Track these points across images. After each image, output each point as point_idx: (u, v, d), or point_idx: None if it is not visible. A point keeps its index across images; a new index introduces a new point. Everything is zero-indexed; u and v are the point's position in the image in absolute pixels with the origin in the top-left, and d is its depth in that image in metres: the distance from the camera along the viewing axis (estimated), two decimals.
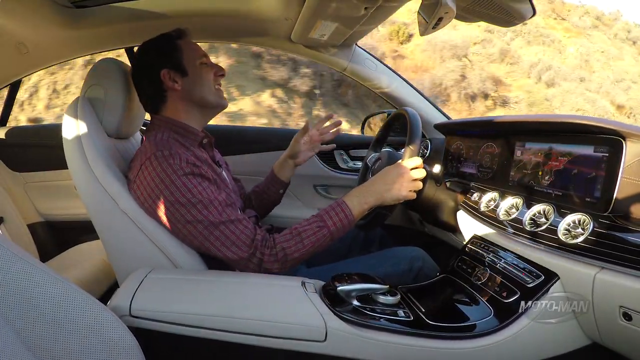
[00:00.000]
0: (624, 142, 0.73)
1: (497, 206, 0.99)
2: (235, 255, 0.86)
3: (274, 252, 0.87)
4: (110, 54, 1.23)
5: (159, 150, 0.87)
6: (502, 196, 1.00)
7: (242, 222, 0.88)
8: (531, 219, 0.87)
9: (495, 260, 0.92)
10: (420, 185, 0.97)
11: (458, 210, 1.13)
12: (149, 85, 0.98)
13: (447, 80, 9.02)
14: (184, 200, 0.85)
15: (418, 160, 0.97)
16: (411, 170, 0.95)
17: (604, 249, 0.70)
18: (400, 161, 0.98)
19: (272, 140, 1.73)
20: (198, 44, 1.05)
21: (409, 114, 1.05)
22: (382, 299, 0.79)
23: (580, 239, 0.74)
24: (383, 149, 1.28)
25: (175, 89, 0.97)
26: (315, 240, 0.89)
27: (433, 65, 9.49)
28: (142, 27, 1.39)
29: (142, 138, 1.05)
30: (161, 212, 0.86)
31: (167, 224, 0.87)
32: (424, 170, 0.97)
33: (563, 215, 0.80)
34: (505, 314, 0.78)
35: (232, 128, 2.02)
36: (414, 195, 0.96)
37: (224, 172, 1.06)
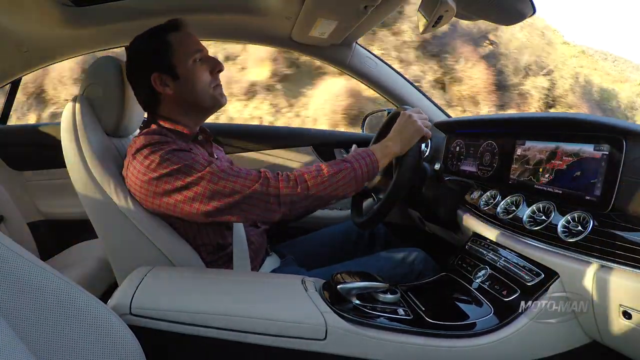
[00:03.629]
0: (624, 140, 0.73)
1: (497, 204, 0.99)
2: (248, 190, 0.82)
3: (290, 177, 0.84)
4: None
5: (147, 141, 0.86)
6: (502, 194, 1.00)
7: (241, 168, 0.86)
8: (531, 217, 0.87)
9: (495, 258, 0.92)
10: (429, 123, 0.97)
11: (458, 208, 1.13)
12: (141, 88, 0.96)
13: None
14: (177, 167, 0.82)
15: (417, 109, 0.99)
16: (416, 113, 0.97)
17: (604, 247, 0.70)
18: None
19: (276, 138, 1.74)
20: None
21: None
22: (382, 297, 0.79)
23: (580, 237, 0.74)
24: None
25: (167, 93, 0.93)
26: (337, 170, 0.86)
27: None
28: (142, 25, 1.38)
29: None
30: (160, 189, 0.83)
31: (169, 201, 0.84)
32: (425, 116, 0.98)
33: (563, 214, 0.80)
34: (505, 313, 0.78)
35: (236, 127, 2.03)
36: (429, 133, 0.96)
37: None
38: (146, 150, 0.85)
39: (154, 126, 0.94)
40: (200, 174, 0.82)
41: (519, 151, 0.99)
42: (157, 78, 0.92)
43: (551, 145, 0.89)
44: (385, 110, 1.67)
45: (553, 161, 0.88)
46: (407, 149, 0.94)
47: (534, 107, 6.78)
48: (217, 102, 0.97)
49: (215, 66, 0.96)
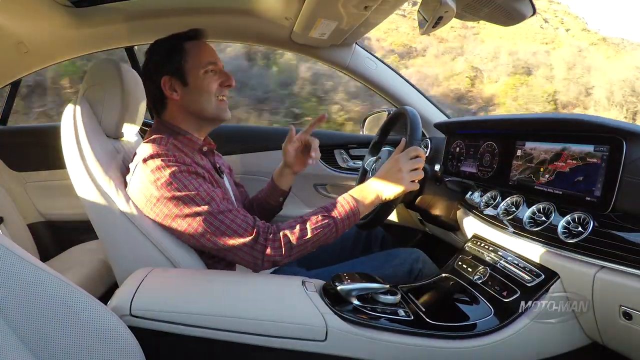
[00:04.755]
0: (624, 141, 0.73)
1: (497, 205, 0.99)
2: (237, 242, 0.84)
3: (277, 237, 0.86)
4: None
5: (155, 151, 0.86)
6: (502, 195, 1.00)
7: (240, 212, 0.88)
8: (531, 217, 0.87)
9: (496, 259, 0.92)
10: (421, 174, 0.94)
11: (458, 209, 1.13)
12: (151, 89, 0.97)
13: None
14: (179, 195, 0.84)
15: (416, 149, 0.94)
16: (410, 160, 0.93)
17: (604, 247, 0.70)
18: (395, 153, 0.96)
19: (274, 139, 1.74)
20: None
21: (408, 113, 1.04)
22: (382, 298, 0.79)
23: (581, 238, 0.74)
24: (383, 148, 1.28)
25: (174, 98, 0.94)
26: (321, 228, 0.88)
27: None
28: (141, 26, 1.39)
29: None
30: (158, 210, 0.86)
31: (165, 222, 0.86)
32: (423, 157, 0.94)
33: (563, 214, 0.80)
34: (506, 313, 0.78)
35: (233, 127, 2.03)
36: (417, 186, 0.94)
37: (226, 180, 1.05)
38: (153, 161, 0.86)
39: (161, 135, 0.93)
40: (199, 208, 0.84)
41: (519, 152, 0.99)
42: (167, 82, 0.94)
43: (551, 146, 0.89)
44: (385, 111, 1.67)
45: (555, 162, 0.88)
46: (391, 199, 0.94)
47: None
48: (219, 116, 0.98)
49: (225, 80, 0.97)
